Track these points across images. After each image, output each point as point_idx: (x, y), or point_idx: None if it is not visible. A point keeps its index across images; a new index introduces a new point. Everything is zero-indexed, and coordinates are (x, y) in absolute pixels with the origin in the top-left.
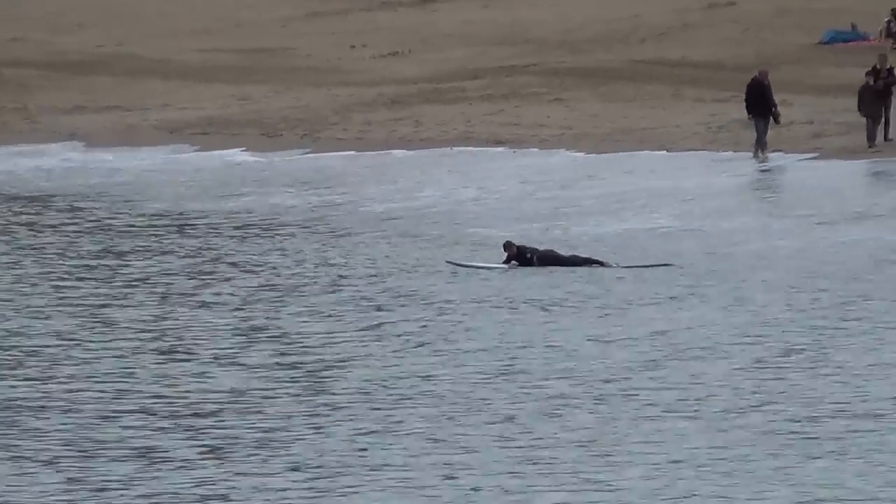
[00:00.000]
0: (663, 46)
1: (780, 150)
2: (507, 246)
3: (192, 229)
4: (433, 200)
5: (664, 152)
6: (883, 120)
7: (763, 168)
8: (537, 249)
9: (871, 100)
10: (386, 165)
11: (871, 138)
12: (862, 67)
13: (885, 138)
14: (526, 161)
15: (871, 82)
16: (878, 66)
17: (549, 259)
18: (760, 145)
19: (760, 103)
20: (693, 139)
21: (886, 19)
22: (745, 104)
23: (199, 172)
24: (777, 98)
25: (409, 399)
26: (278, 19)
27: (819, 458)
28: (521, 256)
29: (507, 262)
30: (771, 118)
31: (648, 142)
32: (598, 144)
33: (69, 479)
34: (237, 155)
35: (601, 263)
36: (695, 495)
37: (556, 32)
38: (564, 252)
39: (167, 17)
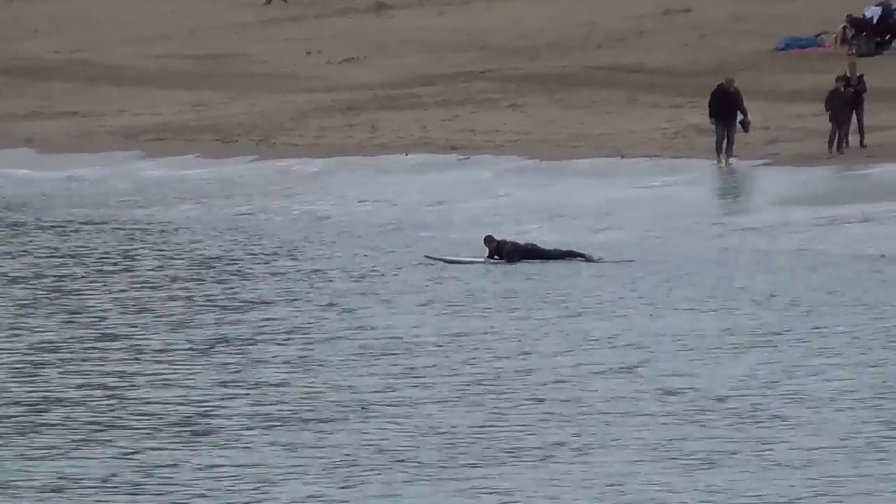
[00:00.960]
0: (619, 53)
1: (735, 156)
2: (488, 241)
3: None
4: (325, 209)
5: (618, 158)
6: (856, 127)
7: (702, 174)
8: (518, 243)
9: (840, 106)
10: (293, 175)
11: (831, 144)
12: (816, 74)
13: (861, 145)
14: (455, 174)
15: (843, 88)
16: (849, 74)
17: (527, 253)
18: (719, 150)
19: (723, 109)
20: (649, 145)
21: (842, 25)
22: (707, 109)
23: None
24: None
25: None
26: (234, 25)
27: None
28: (500, 251)
29: (490, 256)
30: (738, 125)
31: (604, 148)
32: (554, 150)
33: None
34: (188, 162)
35: (584, 256)
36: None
37: (511, 39)
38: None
39: (123, 23)
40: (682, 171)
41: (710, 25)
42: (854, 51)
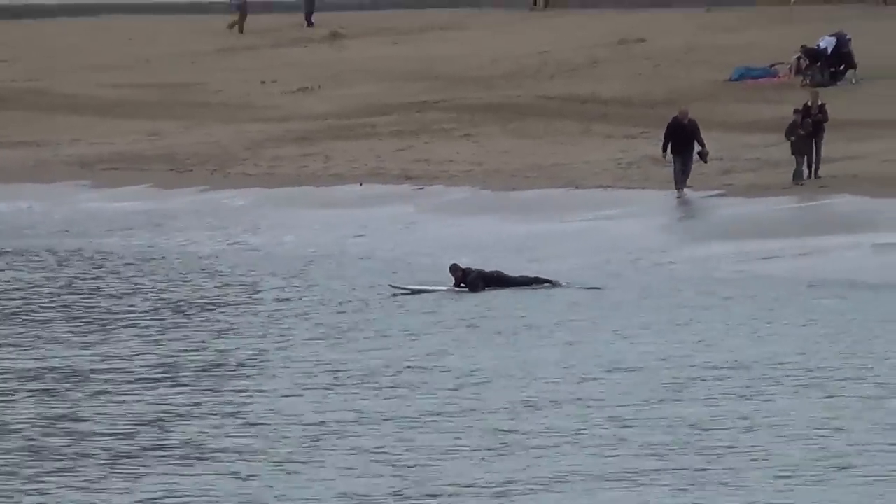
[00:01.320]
0: (573, 83)
1: (689, 187)
2: (454, 269)
3: None
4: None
5: (573, 189)
6: (814, 157)
7: (652, 206)
8: (482, 271)
9: (801, 137)
10: (217, 208)
11: (797, 175)
12: (770, 104)
13: (815, 175)
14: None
15: (800, 120)
16: (811, 103)
17: (491, 280)
18: (678, 182)
19: (678, 142)
20: (603, 175)
21: (796, 55)
22: (662, 143)
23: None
24: None
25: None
26: (189, 55)
27: None
28: (466, 279)
29: (456, 284)
30: (696, 156)
31: (558, 178)
32: (508, 181)
33: None
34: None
35: (551, 282)
36: None
37: (465, 69)
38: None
39: (79, 52)
40: (632, 202)
41: (664, 56)
42: (808, 81)
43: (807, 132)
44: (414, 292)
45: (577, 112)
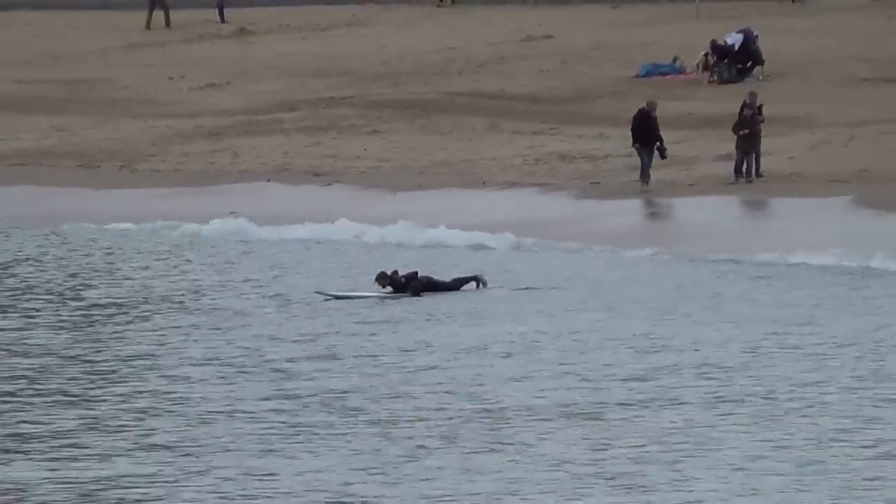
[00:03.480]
0: (480, 79)
1: (597, 182)
2: (380, 278)
3: None
4: None
5: (478, 189)
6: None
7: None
8: (415, 275)
9: (747, 134)
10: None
11: (738, 171)
12: (678, 101)
13: (757, 174)
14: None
15: (750, 116)
16: (749, 102)
17: (425, 286)
18: (645, 176)
19: (645, 134)
20: (510, 171)
21: (703, 52)
22: (630, 133)
23: None
24: (595, 130)
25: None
26: (97, 51)
27: None
28: (395, 283)
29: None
30: (656, 151)
31: (466, 174)
32: (416, 177)
33: None
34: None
35: (476, 280)
36: None
37: (373, 65)
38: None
39: None
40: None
41: (571, 52)
42: (715, 78)
43: (753, 130)
44: (340, 298)
45: (484, 108)
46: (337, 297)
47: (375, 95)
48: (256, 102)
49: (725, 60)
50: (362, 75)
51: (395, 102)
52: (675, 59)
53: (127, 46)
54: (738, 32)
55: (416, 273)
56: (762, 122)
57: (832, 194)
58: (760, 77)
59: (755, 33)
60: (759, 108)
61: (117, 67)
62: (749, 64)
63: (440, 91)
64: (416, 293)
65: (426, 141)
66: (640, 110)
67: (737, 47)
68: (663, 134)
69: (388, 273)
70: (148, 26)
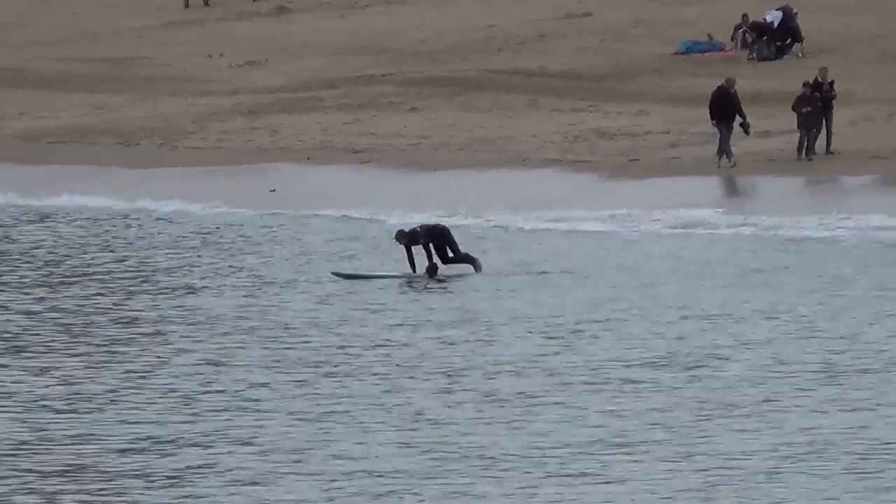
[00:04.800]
0: (520, 56)
1: (637, 159)
2: (399, 237)
3: None
4: None
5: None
6: (825, 132)
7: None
8: (433, 228)
9: (809, 112)
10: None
11: (800, 150)
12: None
13: (828, 151)
14: None
15: (808, 94)
16: (820, 80)
17: (437, 236)
18: (725, 152)
19: (724, 110)
20: (550, 148)
21: (740, 28)
22: (708, 110)
23: None
24: (634, 107)
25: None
26: (135, 29)
27: None
28: (415, 238)
29: (408, 248)
30: (736, 126)
31: (505, 151)
32: (455, 154)
33: None
34: None
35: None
36: None
37: (412, 42)
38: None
39: (22, 26)
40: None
41: (611, 29)
42: (754, 55)
43: (814, 107)
44: (355, 278)
45: (523, 86)
46: (352, 277)
47: (414, 73)
48: (295, 80)
49: (764, 38)
50: (401, 53)
51: (433, 80)
52: (709, 37)
53: (165, 24)
54: (777, 10)
55: (437, 225)
56: (834, 98)
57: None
58: (799, 54)
59: (794, 10)
60: (831, 84)
61: (156, 45)
62: (788, 41)
63: (479, 69)
64: (433, 275)
65: (465, 118)
66: (718, 87)
67: (776, 24)
68: (694, 111)
69: (406, 231)
70: (186, 4)
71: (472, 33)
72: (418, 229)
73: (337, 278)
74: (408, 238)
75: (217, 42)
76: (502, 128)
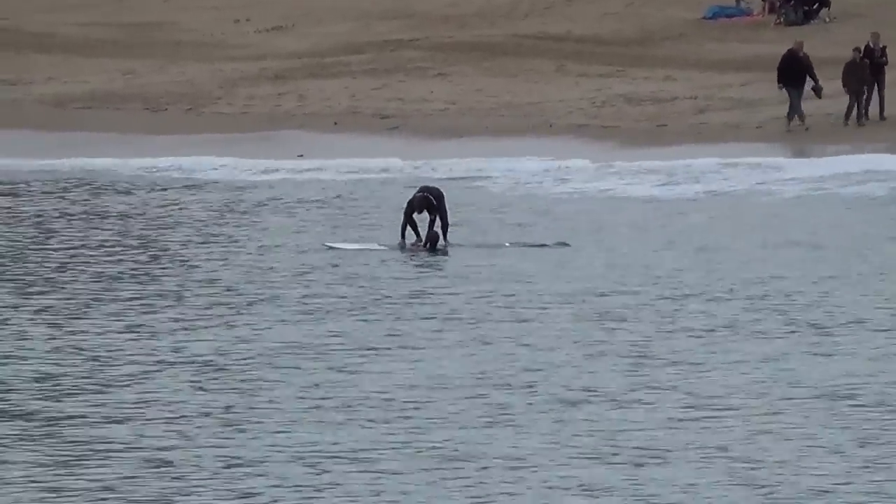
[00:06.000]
0: (547, 21)
1: (664, 125)
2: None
3: None
4: None
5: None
6: (875, 98)
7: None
8: (434, 193)
9: (858, 77)
10: None
11: (848, 115)
12: (745, 43)
13: (881, 117)
14: None
15: (858, 60)
16: (872, 45)
17: (436, 197)
18: (797, 114)
19: (793, 74)
20: (577, 114)
21: None
22: (777, 74)
23: None
24: (661, 73)
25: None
26: None
27: None
28: (427, 204)
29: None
30: (806, 89)
31: (532, 116)
32: (483, 118)
33: None
34: None
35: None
36: None
37: (439, 7)
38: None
39: None
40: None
41: None
42: (782, 20)
43: (863, 73)
44: (353, 251)
45: (551, 51)
46: (347, 250)
47: (441, 38)
48: (322, 45)
49: (792, 2)
50: (428, 18)
51: (461, 45)
52: (736, 2)
53: None
54: None
55: (438, 192)
56: (886, 63)
57: None
58: (827, 19)
59: None
60: (883, 49)
61: (182, 10)
62: (815, 5)
63: (507, 33)
64: (433, 246)
65: (492, 83)
66: (788, 51)
67: None
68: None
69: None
70: None
71: None
72: (416, 196)
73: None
74: (408, 206)
75: (244, 7)
76: (529, 93)
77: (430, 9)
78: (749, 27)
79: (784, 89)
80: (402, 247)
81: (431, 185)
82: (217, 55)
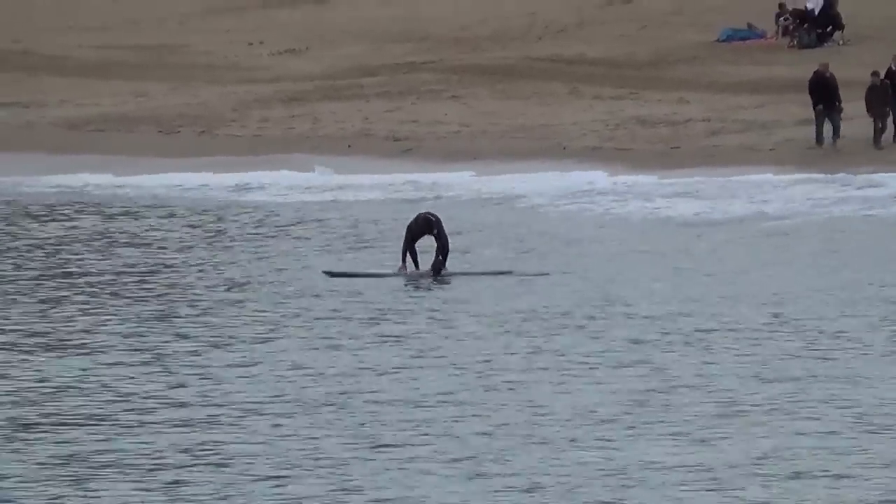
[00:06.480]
0: (560, 44)
1: (677, 147)
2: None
3: None
4: None
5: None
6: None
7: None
8: (430, 215)
9: (881, 100)
10: None
11: (878, 138)
12: (758, 65)
13: (894, 139)
14: None
15: (879, 83)
16: (894, 67)
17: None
18: (819, 137)
19: (825, 95)
20: (591, 137)
21: (782, 17)
22: (810, 97)
23: None
24: (674, 95)
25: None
26: (175, 16)
27: None
28: (428, 226)
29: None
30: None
31: (546, 139)
32: (496, 141)
33: None
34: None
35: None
36: None
37: (453, 29)
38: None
39: (63, 13)
40: None
41: (651, 17)
42: (795, 43)
43: (885, 96)
44: (354, 277)
45: (564, 73)
46: (345, 276)
47: (455, 60)
48: (336, 67)
49: (805, 25)
50: (441, 40)
51: (474, 68)
52: (749, 26)
53: (205, 11)
54: None
55: (429, 216)
56: None
57: None
58: (840, 42)
59: None
60: None
61: (196, 33)
62: (829, 28)
63: (520, 56)
64: (438, 273)
65: (506, 106)
66: (815, 73)
67: (817, 12)
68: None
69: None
70: None
71: (512, 20)
72: (418, 217)
73: (328, 277)
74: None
75: (257, 29)
76: (543, 115)
77: (443, 31)
78: (763, 50)
79: (820, 110)
80: (407, 271)
81: (432, 211)
82: (230, 77)
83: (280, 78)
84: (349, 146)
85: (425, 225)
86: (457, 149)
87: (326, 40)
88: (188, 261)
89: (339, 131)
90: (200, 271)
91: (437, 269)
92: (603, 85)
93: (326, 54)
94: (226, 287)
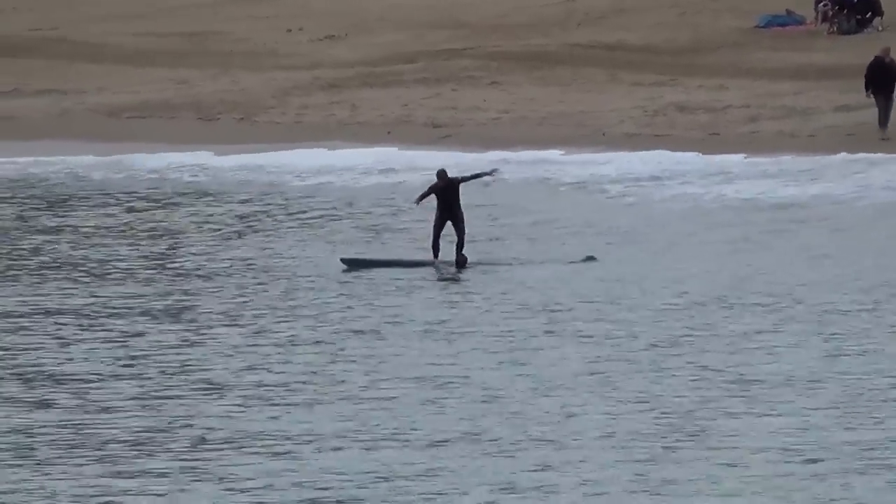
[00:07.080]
0: (599, 30)
1: (717, 133)
2: (442, 175)
3: None
4: None
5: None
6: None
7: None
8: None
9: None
10: None
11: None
12: (797, 52)
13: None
14: None
15: None
16: None
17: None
18: (881, 121)
19: (880, 81)
20: (629, 123)
21: (821, 3)
22: (864, 82)
23: None
24: (713, 81)
25: None
26: (213, 3)
27: None
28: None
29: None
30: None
31: (585, 126)
32: (535, 128)
33: None
34: None
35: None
36: None
37: (491, 16)
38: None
39: (100, 1)
40: None
41: (690, 3)
42: (835, 29)
43: None
44: (366, 265)
45: (603, 60)
46: (362, 264)
47: (494, 47)
48: (375, 54)
49: (845, 11)
50: (480, 27)
51: (513, 54)
52: (788, 12)
53: None
54: None
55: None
56: None
57: None
58: (880, 28)
59: None
60: None
61: (234, 20)
62: (868, 14)
63: (559, 42)
64: (462, 266)
65: (545, 92)
66: (875, 58)
67: None
68: (775, 84)
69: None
70: None
71: (551, 7)
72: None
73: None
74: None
75: (296, 16)
76: (581, 102)
77: (481, 18)
78: (802, 36)
79: (872, 97)
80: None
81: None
82: (269, 64)
83: (319, 65)
84: (388, 133)
85: (443, 176)
86: (496, 135)
87: (365, 27)
88: None
89: (379, 118)
90: None
91: (462, 262)
92: (642, 71)
93: (365, 41)
94: None
